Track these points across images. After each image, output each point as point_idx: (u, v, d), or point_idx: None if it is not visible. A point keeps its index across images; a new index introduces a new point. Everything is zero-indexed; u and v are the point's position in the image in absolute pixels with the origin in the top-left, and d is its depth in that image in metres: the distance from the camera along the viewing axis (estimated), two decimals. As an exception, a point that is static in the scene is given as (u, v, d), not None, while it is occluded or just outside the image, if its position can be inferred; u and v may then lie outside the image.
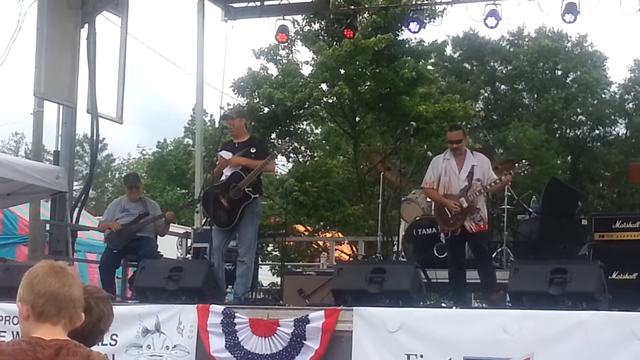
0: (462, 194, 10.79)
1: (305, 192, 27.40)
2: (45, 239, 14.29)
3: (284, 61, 29.67)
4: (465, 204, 10.70)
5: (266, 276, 24.18)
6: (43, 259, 13.14)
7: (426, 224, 12.92)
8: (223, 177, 11.45)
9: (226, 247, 11.57)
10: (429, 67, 32.89)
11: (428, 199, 13.41)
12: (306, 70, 29.41)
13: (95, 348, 9.55)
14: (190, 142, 40.01)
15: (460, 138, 11.15)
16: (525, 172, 11.48)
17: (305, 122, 31.16)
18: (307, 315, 8.89)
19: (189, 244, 14.98)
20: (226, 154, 11.45)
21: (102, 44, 15.15)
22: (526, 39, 43.67)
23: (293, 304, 10.72)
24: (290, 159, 31.85)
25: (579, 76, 41.58)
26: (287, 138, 26.96)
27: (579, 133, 43.18)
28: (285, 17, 17.41)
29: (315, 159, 32.18)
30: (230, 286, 10.93)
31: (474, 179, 10.83)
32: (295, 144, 30.83)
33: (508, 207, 13.52)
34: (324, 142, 32.83)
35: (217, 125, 32.74)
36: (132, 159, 52.15)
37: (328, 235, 28.78)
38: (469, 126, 34.93)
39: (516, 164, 11.40)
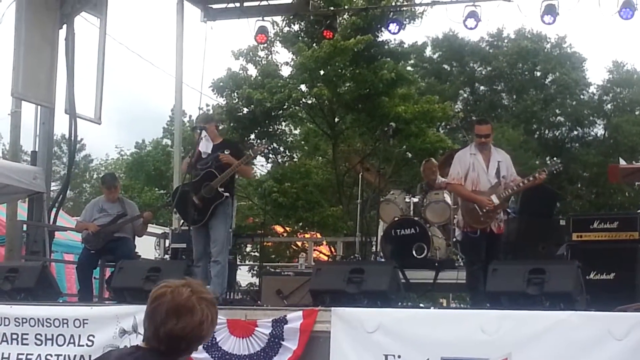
0: (493, 191, 10.65)
1: (284, 193, 27.42)
2: (22, 239, 14.21)
3: (263, 62, 29.65)
4: (497, 202, 10.62)
5: (244, 276, 24.12)
6: (19, 259, 13.17)
7: (405, 224, 12.91)
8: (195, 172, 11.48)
9: (208, 249, 11.58)
10: (409, 68, 33.01)
11: (407, 200, 13.41)
12: (285, 71, 29.46)
13: (71, 349, 9.49)
14: (169, 142, 39.94)
15: (489, 132, 10.97)
16: (558, 169, 11.38)
17: (284, 123, 31.17)
18: (285, 315, 8.87)
19: (167, 245, 14.92)
20: (206, 143, 11.46)
21: (80, 45, 15.09)
22: (505, 40, 43.82)
23: (271, 304, 10.70)
24: (269, 160, 31.87)
25: (558, 77, 41.74)
26: (265, 140, 26.99)
27: (557, 134, 43.35)
28: (265, 18, 17.40)
29: (294, 159, 32.21)
30: (207, 287, 10.90)
31: (501, 176, 10.75)
32: (274, 145, 30.86)
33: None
34: (303, 142, 32.85)
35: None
36: (110, 159, 51.97)
37: (307, 236, 28.78)
38: (447, 127, 35.10)
39: (548, 162, 11.28)
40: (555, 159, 11.52)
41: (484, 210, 10.62)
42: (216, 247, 11.35)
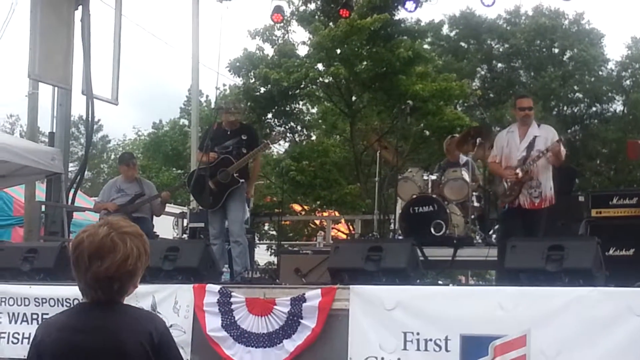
0: (520, 164, 10.68)
1: (301, 171, 27.43)
2: (40, 220, 14.29)
3: (280, 41, 29.60)
4: (520, 174, 10.60)
5: (263, 255, 24.17)
6: (38, 240, 13.22)
7: (423, 201, 12.87)
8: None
9: (224, 229, 11.74)
10: (426, 46, 32.88)
11: (425, 177, 13.39)
12: (302, 51, 29.42)
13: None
14: (186, 122, 39.94)
15: (531, 105, 11.04)
16: (574, 138, 11.35)
17: (301, 102, 31.14)
18: (304, 293, 8.86)
19: (185, 224, 14.97)
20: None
21: (96, 26, 15.10)
22: (523, 17, 43.64)
23: (290, 282, 10.69)
24: (287, 139, 31.87)
25: (576, 54, 41.54)
26: (280, 129, 27.00)
27: (576, 110, 43.17)
28: (281, -3, 17.37)
29: (312, 138, 32.19)
30: (226, 265, 10.95)
31: (534, 149, 10.69)
32: (292, 124, 30.86)
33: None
34: (320, 121, 32.82)
35: (212, 105, 32.75)
36: (127, 140, 52.17)
37: (325, 214, 28.79)
38: (465, 104, 34.98)
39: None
40: (568, 131, 11.48)
41: (509, 184, 10.68)
42: (235, 228, 11.53)
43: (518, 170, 10.64)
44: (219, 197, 11.53)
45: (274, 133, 11.79)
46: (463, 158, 13.60)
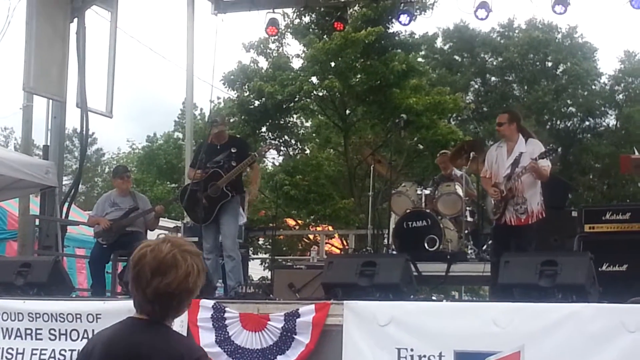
0: (504, 181, 10.70)
1: (295, 185, 27.45)
2: (34, 234, 14.24)
3: (274, 54, 29.68)
4: (504, 191, 10.63)
5: (256, 270, 24.17)
6: (32, 254, 13.20)
7: (416, 216, 12.89)
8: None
9: (218, 243, 11.74)
10: (420, 59, 32.95)
11: (418, 192, 13.40)
12: (296, 64, 29.51)
13: (77, 343, 9.48)
14: (180, 136, 39.96)
15: (501, 121, 11.00)
16: (550, 154, 11.29)
17: (295, 115, 31.20)
18: (298, 309, 8.86)
19: (179, 238, 14.93)
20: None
21: (91, 39, 15.14)
22: (516, 31, 43.72)
23: (283, 298, 10.69)
24: (281, 153, 31.89)
25: (569, 67, 41.63)
26: (270, 139, 27.03)
27: (569, 124, 43.24)
28: (276, 10, 17.37)
29: (306, 152, 32.22)
30: (220, 280, 10.95)
31: (519, 166, 10.69)
32: (286, 137, 30.91)
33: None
34: (314, 135, 32.86)
35: (207, 119, 32.76)
36: (122, 153, 52.08)
37: (318, 229, 28.80)
38: (459, 118, 35.05)
39: (545, 148, 11.11)
40: (552, 145, 11.47)
41: (495, 201, 10.73)
42: (228, 242, 11.55)
43: (502, 188, 10.67)
44: (210, 211, 11.56)
45: (262, 145, 11.77)
46: (457, 172, 13.63)
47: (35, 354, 9.76)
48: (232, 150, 11.67)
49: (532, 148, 10.78)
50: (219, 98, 31.60)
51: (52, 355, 9.72)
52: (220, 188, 11.49)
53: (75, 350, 9.60)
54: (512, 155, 10.80)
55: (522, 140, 10.90)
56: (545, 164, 10.68)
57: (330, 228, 28.04)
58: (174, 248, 3.77)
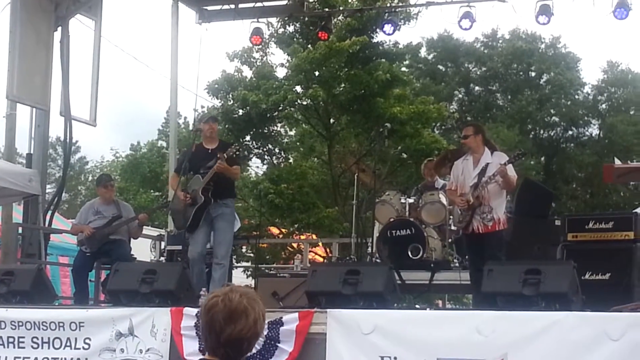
0: (471, 191, 10.80)
1: (279, 194, 27.42)
2: (17, 242, 14.20)
3: (259, 63, 29.66)
4: (471, 200, 10.71)
5: (240, 278, 24.12)
6: (15, 262, 13.15)
7: (400, 225, 12.91)
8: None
9: (205, 250, 11.68)
10: (404, 69, 33.00)
11: (402, 201, 13.43)
12: (281, 73, 29.48)
13: (67, 352, 9.48)
14: (164, 144, 39.89)
15: (467, 134, 11.15)
16: (519, 158, 11.39)
17: (279, 124, 31.18)
18: (281, 317, 8.87)
19: (162, 247, 14.93)
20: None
21: (75, 47, 15.11)
22: (500, 41, 43.85)
23: (267, 306, 10.61)
24: (265, 162, 31.89)
25: (553, 77, 41.76)
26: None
27: (552, 134, 43.38)
28: (260, 20, 17.40)
29: (290, 161, 32.20)
30: (204, 289, 10.92)
31: (485, 176, 10.78)
32: (270, 146, 30.91)
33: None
34: (298, 144, 32.85)
35: (191, 127, 32.73)
36: (105, 161, 51.93)
37: (302, 237, 28.78)
38: (443, 127, 35.12)
39: (511, 155, 11.24)
40: (521, 150, 11.55)
41: (461, 210, 10.89)
42: (222, 250, 11.49)
43: (469, 197, 10.76)
44: (196, 218, 11.49)
45: (229, 148, 11.64)
46: (440, 182, 13.67)
47: (18, 362, 9.74)
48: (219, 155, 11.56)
49: (498, 159, 10.91)
50: (203, 107, 31.56)
51: (35, 363, 9.71)
52: (198, 194, 11.43)
53: (58, 358, 9.59)
54: (478, 165, 10.94)
55: (488, 152, 11.04)
56: (512, 173, 10.79)
57: (314, 236, 28.02)
58: (242, 297, 4.09)
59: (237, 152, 11.52)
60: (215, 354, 4.12)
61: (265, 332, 8.78)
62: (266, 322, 8.78)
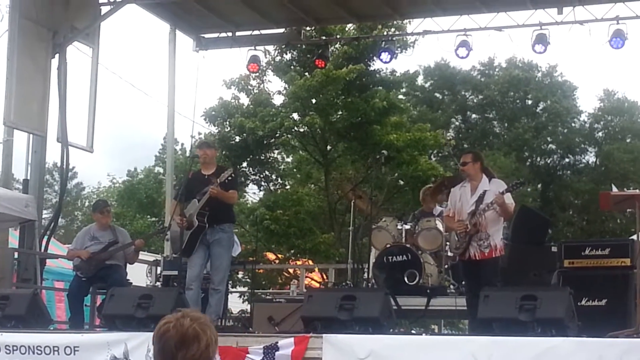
0: (469, 217, 10.83)
1: (276, 220, 27.41)
2: (13, 267, 14.21)
3: (255, 91, 29.71)
4: (469, 226, 10.74)
5: (236, 303, 24.05)
6: (11, 287, 13.14)
7: (397, 251, 12.89)
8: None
9: (202, 275, 11.65)
10: (401, 96, 33.10)
11: (399, 227, 13.43)
12: (278, 100, 29.55)
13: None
14: (161, 170, 39.93)
15: (466, 161, 11.21)
16: (517, 187, 11.43)
17: (276, 151, 31.22)
18: (277, 342, 8.85)
19: (158, 272, 14.92)
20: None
21: (73, 74, 15.15)
22: (497, 69, 44.00)
23: (263, 331, 10.68)
24: (262, 188, 31.88)
25: (549, 105, 41.89)
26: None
27: (549, 161, 43.44)
28: (257, 48, 17.47)
29: (287, 187, 32.21)
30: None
31: (483, 203, 10.81)
32: (267, 173, 30.93)
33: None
34: (295, 170, 32.88)
35: (188, 153, 32.80)
36: (102, 187, 51.90)
37: (298, 262, 28.75)
38: (440, 154, 35.16)
39: (509, 184, 11.28)
40: (519, 179, 11.61)
41: (459, 237, 10.98)
42: (218, 276, 11.45)
43: (467, 223, 10.79)
44: (190, 242, 11.46)
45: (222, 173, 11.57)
46: (437, 209, 13.68)
47: (13, 387, 9.71)
48: (219, 181, 11.52)
49: (496, 187, 10.94)
50: (200, 133, 31.53)
51: (30, 387, 9.68)
52: (193, 220, 11.40)
53: (52, 382, 9.56)
54: (476, 193, 10.97)
55: (486, 179, 11.08)
56: (509, 201, 10.82)
57: (311, 262, 27.99)
58: (193, 322, 4.09)
59: (231, 177, 11.45)
60: None
61: (260, 357, 8.79)
62: (262, 346, 8.82)
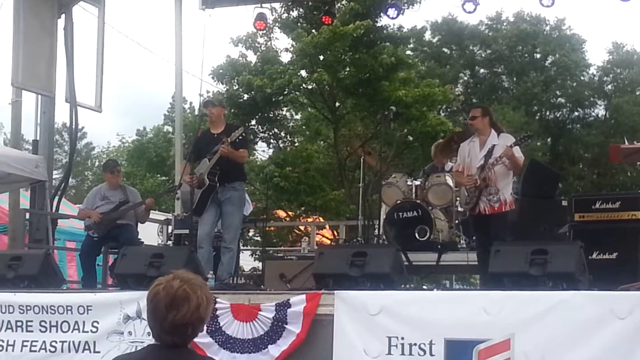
0: (478, 172, 10.82)
1: (285, 177, 27.42)
2: (25, 227, 14.25)
3: (263, 48, 29.63)
4: (478, 181, 10.73)
5: (247, 261, 24.15)
6: (23, 247, 13.20)
7: (407, 207, 12.93)
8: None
9: (213, 233, 11.66)
10: (408, 52, 32.97)
11: (409, 183, 13.44)
12: (285, 57, 29.45)
13: (75, 335, 9.50)
14: (170, 129, 39.91)
15: (475, 115, 11.16)
16: (525, 140, 11.36)
17: (285, 108, 31.17)
18: (289, 299, 8.88)
19: (169, 231, 14.96)
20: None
21: (79, 34, 15.12)
22: (504, 23, 43.77)
23: (274, 288, 10.71)
24: (271, 145, 31.88)
25: (558, 59, 41.70)
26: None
27: (558, 115, 43.32)
28: (263, 5, 17.39)
29: (296, 144, 32.21)
30: (211, 272, 10.93)
31: (492, 157, 10.79)
32: (276, 130, 30.92)
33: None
34: (304, 127, 32.85)
35: (196, 112, 32.79)
36: (111, 147, 52.06)
37: (309, 220, 28.80)
38: (448, 110, 35.09)
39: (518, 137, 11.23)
40: (528, 133, 11.54)
41: (468, 192, 10.95)
42: (230, 234, 11.45)
43: (476, 177, 10.77)
44: (202, 201, 11.46)
45: (233, 132, 11.49)
46: (449, 165, 13.67)
47: (26, 346, 9.77)
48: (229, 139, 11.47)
49: (505, 141, 10.91)
50: (208, 92, 31.52)
51: (43, 347, 9.74)
52: (204, 178, 11.38)
53: (66, 341, 9.63)
54: (485, 147, 10.94)
55: (495, 134, 11.05)
56: (518, 155, 10.79)
57: (321, 219, 28.04)
58: (183, 283, 4.17)
59: (242, 136, 11.44)
60: (161, 340, 4.22)
61: (272, 314, 8.83)
62: (274, 303, 8.86)
